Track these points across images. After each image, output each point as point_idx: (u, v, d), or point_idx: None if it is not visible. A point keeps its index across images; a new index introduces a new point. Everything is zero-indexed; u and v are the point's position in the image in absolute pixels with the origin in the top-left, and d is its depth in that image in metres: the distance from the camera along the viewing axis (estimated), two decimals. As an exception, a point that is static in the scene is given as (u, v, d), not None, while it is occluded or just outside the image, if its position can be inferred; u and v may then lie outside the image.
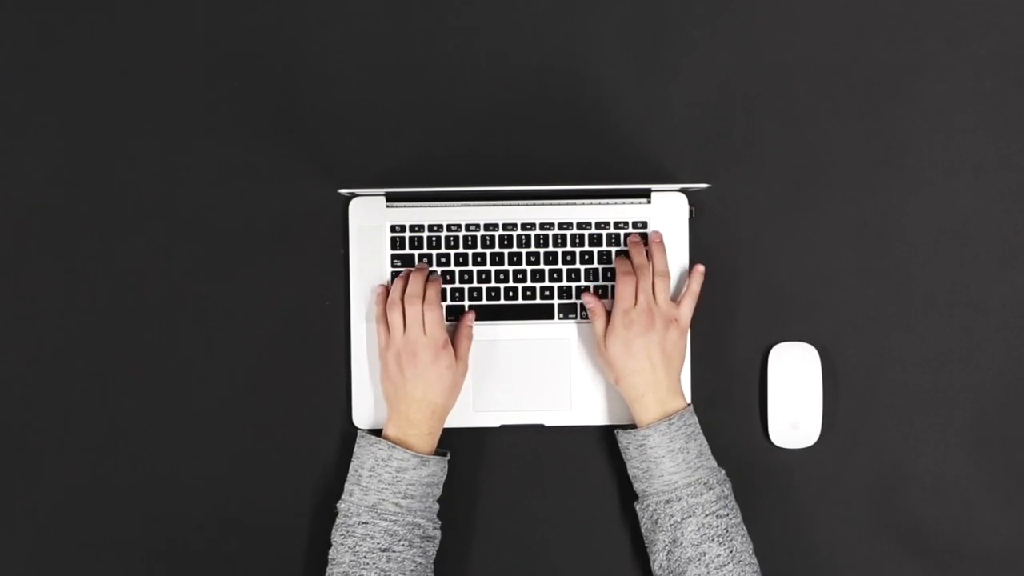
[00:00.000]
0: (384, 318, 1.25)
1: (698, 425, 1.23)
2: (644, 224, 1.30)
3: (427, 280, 1.26)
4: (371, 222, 1.30)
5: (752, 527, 1.23)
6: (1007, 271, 1.32)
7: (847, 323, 1.32)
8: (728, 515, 1.19)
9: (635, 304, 1.23)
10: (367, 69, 1.32)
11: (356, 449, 1.23)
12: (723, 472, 1.22)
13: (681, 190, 1.30)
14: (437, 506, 1.23)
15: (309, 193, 1.31)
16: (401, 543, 1.18)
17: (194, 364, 1.31)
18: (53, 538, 1.31)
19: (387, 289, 1.28)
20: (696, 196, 1.31)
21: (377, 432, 1.25)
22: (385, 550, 1.18)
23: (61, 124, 1.32)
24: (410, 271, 1.27)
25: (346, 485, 1.22)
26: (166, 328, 1.31)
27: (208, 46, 1.32)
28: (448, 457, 1.24)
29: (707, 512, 1.18)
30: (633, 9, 1.33)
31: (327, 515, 1.28)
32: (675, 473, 1.20)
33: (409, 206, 1.30)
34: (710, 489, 1.19)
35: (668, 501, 1.19)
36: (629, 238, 1.29)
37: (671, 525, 1.19)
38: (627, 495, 1.29)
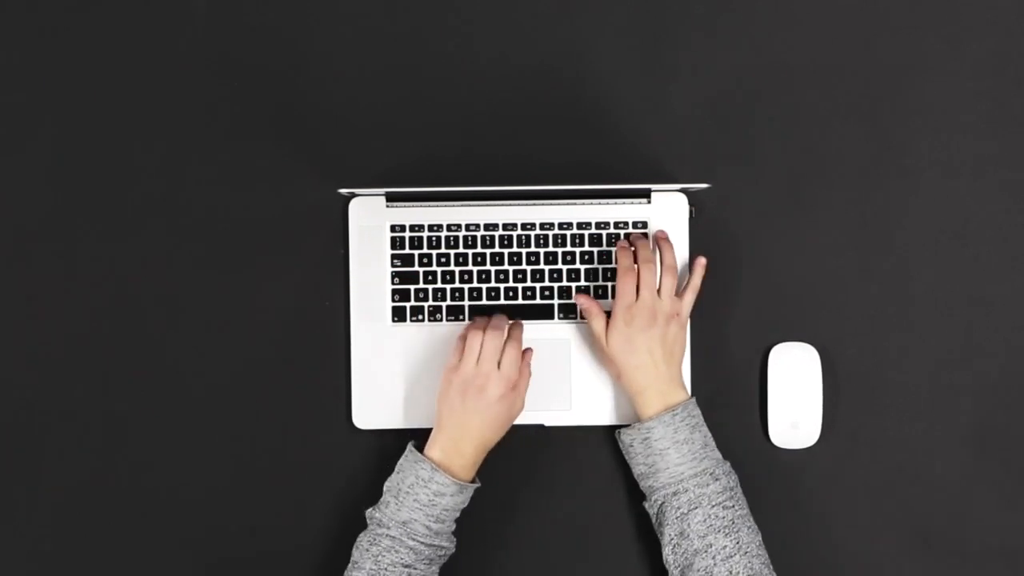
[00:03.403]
0: (463, 339, 1.23)
1: (701, 417, 1.23)
2: (644, 224, 1.30)
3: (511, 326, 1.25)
4: (371, 222, 1.30)
5: (752, 527, 1.23)
6: (1007, 271, 1.32)
7: (847, 323, 1.32)
8: (734, 506, 1.19)
9: (636, 299, 1.23)
10: (367, 69, 1.32)
11: (402, 460, 1.22)
12: (728, 464, 1.22)
13: (681, 190, 1.30)
14: (455, 524, 1.23)
15: (309, 193, 1.31)
16: (423, 562, 1.18)
17: (194, 364, 1.31)
18: (53, 538, 1.31)
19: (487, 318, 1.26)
20: (696, 196, 1.31)
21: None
22: (407, 566, 1.18)
23: (61, 124, 1.32)
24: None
25: (385, 490, 1.21)
26: (166, 328, 1.31)
27: (208, 46, 1.32)
28: (478, 485, 1.23)
29: (713, 503, 1.18)
30: (633, 9, 1.33)
31: (327, 515, 1.28)
32: (680, 464, 1.20)
33: (409, 206, 1.30)
34: (716, 480, 1.19)
35: (675, 493, 1.19)
36: (633, 235, 1.29)
37: (677, 517, 1.18)
38: (627, 495, 1.29)
